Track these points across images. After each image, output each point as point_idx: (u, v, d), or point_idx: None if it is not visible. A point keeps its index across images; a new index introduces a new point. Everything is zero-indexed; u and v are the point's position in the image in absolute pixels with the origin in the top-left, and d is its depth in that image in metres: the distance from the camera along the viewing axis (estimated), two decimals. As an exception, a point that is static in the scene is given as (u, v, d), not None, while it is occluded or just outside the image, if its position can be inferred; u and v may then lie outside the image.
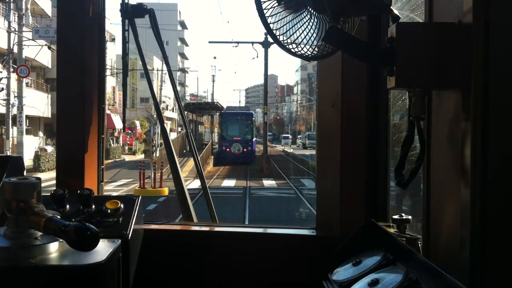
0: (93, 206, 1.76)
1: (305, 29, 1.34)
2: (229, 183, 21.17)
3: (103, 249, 1.44)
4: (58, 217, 1.33)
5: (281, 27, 1.32)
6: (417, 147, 1.29)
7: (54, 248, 1.39)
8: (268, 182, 21.55)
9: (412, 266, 1.08)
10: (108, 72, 29.13)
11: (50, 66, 29.86)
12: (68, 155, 2.14)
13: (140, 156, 30.47)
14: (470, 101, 1.11)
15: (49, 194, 1.74)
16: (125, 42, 2.42)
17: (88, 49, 2.15)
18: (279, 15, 1.32)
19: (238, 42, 33.43)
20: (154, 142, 20.83)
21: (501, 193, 1.08)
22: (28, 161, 21.66)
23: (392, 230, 1.44)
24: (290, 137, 67.35)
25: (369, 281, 1.12)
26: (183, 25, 78.54)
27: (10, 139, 23.17)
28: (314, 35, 1.35)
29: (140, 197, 1.85)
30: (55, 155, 2.90)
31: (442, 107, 1.27)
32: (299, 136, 67.98)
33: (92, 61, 2.19)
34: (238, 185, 20.15)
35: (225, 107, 38.55)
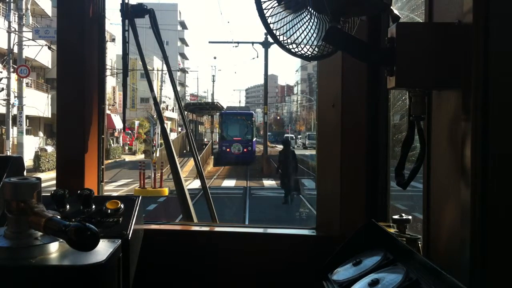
0: (93, 206, 1.76)
1: (305, 29, 1.34)
2: (229, 183, 21.18)
3: (103, 249, 1.44)
4: (58, 217, 1.33)
5: (281, 27, 1.32)
6: (417, 147, 1.29)
7: (54, 248, 1.39)
8: (268, 182, 21.55)
9: (412, 266, 1.09)
10: (108, 72, 29.13)
11: (50, 66, 29.87)
12: (68, 155, 2.14)
13: (140, 156, 30.50)
14: (470, 101, 1.11)
15: (49, 194, 1.74)
16: (125, 42, 2.42)
17: (88, 49, 2.15)
18: (279, 15, 1.32)
19: (238, 42, 33.45)
20: (154, 142, 20.83)
21: (501, 193, 1.08)
22: (28, 161, 21.65)
23: (392, 230, 1.44)
24: (294, 137, 61.71)
25: (369, 281, 1.12)
26: (183, 25, 78.56)
27: (10, 139, 23.17)
28: (314, 35, 1.35)
29: (140, 197, 1.85)
30: (55, 155, 2.90)
31: (442, 107, 1.27)
32: (299, 136, 67.72)
33: (92, 61, 2.19)
34: (238, 185, 20.15)
35: (225, 107, 38.56)
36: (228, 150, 31.53)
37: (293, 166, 15.43)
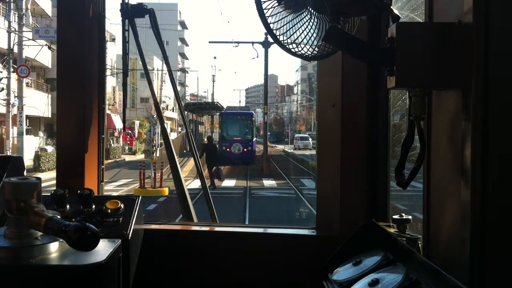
0: (93, 206, 1.76)
1: (305, 29, 1.34)
2: (229, 183, 21.16)
3: (103, 249, 1.44)
4: (58, 217, 1.33)
5: (281, 27, 1.32)
6: (417, 147, 1.29)
7: (54, 248, 1.39)
8: (268, 182, 21.54)
9: (412, 266, 1.08)
10: (108, 72, 29.11)
11: (50, 66, 29.86)
12: (68, 155, 2.14)
13: (140, 156, 30.48)
14: (470, 101, 1.11)
15: (49, 194, 1.74)
16: (125, 42, 2.42)
17: (88, 49, 2.15)
18: (279, 15, 1.32)
19: (238, 42, 33.40)
20: (154, 142, 20.88)
21: (501, 193, 1.08)
22: (28, 161, 21.65)
23: (392, 230, 1.44)
24: (310, 138, 50.97)
25: (369, 281, 1.12)
26: (183, 25, 78.53)
27: (10, 139, 23.17)
28: (314, 35, 1.35)
29: (140, 197, 1.85)
30: (55, 155, 2.90)
31: (442, 107, 1.27)
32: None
33: (92, 61, 2.19)
34: (238, 185, 20.14)
35: (225, 107, 38.54)
36: (228, 150, 31.52)
37: (214, 157, 20.30)
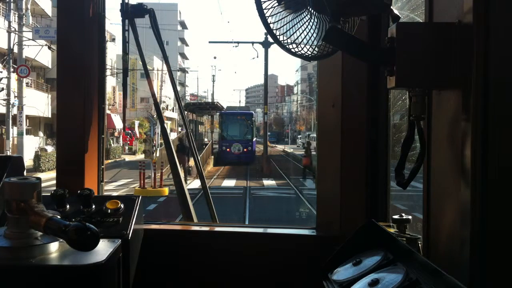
0: (93, 206, 1.76)
1: (305, 29, 1.34)
2: (229, 183, 21.18)
3: (103, 249, 1.44)
4: (58, 217, 1.33)
5: (281, 27, 1.32)
6: (417, 147, 1.29)
7: (54, 248, 1.39)
8: (268, 182, 21.55)
9: (412, 266, 1.08)
10: (108, 72, 29.11)
11: (50, 66, 29.87)
12: (68, 155, 2.14)
13: (140, 156, 30.49)
14: (470, 101, 1.11)
15: (49, 194, 1.74)
16: (125, 42, 2.42)
17: (88, 49, 2.15)
18: (279, 15, 1.32)
19: (238, 42, 33.42)
20: (154, 142, 20.99)
21: (501, 193, 1.08)
22: (28, 161, 21.65)
23: (392, 230, 1.44)
24: None
25: (369, 281, 1.12)
26: (183, 25, 78.52)
27: (10, 139, 23.17)
28: (314, 35, 1.35)
29: (140, 197, 1.85)
30: (55, 155, 2.90)
31: (442, 107, 1.27)
32: (299, 136, 67.56)
33: (92, 61, 2.19)
34: (238, 185, 20.16)
35: (225, 107, 38.56)
36: (228, 150, 31.54)
37: (187, 157, 20.50)
